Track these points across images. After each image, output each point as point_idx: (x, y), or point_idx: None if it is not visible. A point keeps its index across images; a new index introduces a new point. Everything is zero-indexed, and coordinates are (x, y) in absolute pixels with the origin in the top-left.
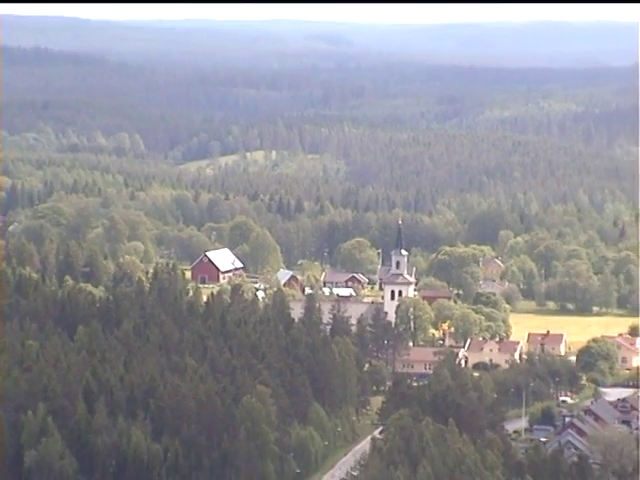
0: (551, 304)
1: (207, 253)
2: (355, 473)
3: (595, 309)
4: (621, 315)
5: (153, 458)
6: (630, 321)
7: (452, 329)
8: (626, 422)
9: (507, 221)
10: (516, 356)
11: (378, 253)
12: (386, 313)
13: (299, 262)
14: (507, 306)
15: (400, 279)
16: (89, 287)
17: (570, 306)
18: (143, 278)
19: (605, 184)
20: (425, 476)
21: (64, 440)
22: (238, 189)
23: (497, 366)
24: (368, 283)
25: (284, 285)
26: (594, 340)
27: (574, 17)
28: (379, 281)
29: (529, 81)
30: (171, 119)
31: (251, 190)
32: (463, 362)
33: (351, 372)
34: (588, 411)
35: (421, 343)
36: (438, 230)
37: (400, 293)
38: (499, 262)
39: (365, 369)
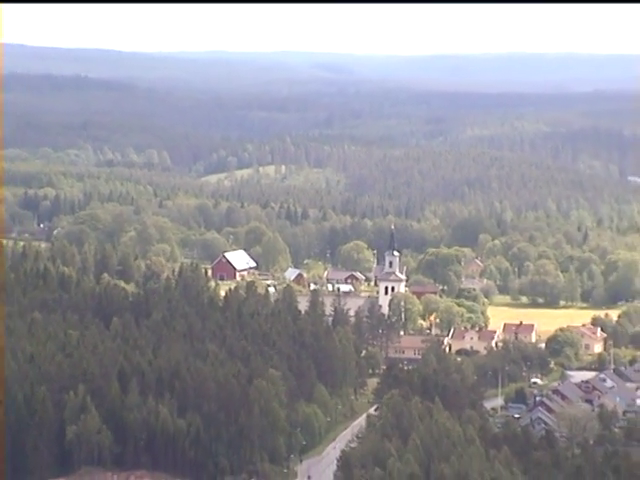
0: (523, 298)
1: (225, 254)
2: (353, 445)
3: (562, 303)
4: (584, 308)
5: (178, 432)
6: (592, 313)
7: (438, 320)
8: (589, 401)
9: (485, 226)
10: (493, 343)
11: (373, 254)
12: (380, 306)
13: (305, 262)
14: (485, 300)
15: (393, 276)
16: (122, 284)
17: (540, 300)
18: (170, 276)
19: (570, 194)
20: (414, 448)
21: (101, 416)
22: (252, 198)
23: (477, 352)
24: (365, 280)
25: (292, 281)
26: (561, 330)
27: (544, 49)
28: (374, 278)
29: (505, 105)
30: (194, 138)
31: (263, 199)
32: (447, 349)
33: (350, 357)
34: (556, 391)
35: (411, 332)
36: (425, 234)
37: (393, 289)
38: (478, 262)
39: (362, 355)
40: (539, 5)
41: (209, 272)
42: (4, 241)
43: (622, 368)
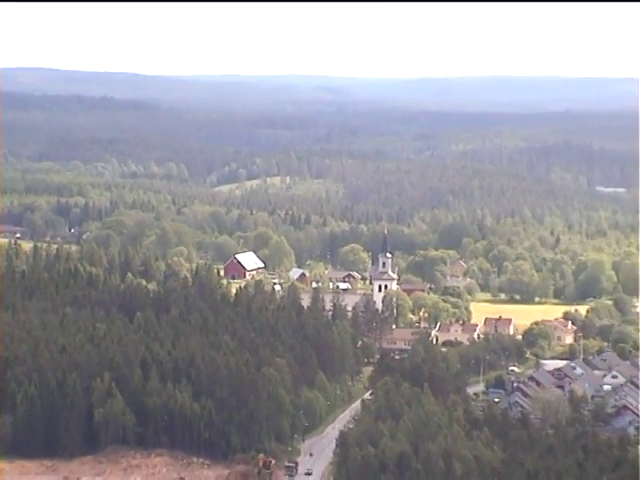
0: (502, 295)
1: (236, 255)
2: (350, 426)
3: (536, 299)
4: (557, 304)
5: (194, 415)
6: (563, 309)
7: (426, 315)
8: (560, 387)
9: (468, 231)
10: (475, 335)
11: (368, 255)
12: (375, 302)
13: (307, 262)
14: (468, 297)
15: (385, 276)
16: (144, 282)
17: (517, 297)
18: (186, 275)
19: (544, 202)
20: (404, 429)
21: (125, 401)
22: (260, 206)
23: (460, 343)
24: (361, 279)
25: (296, 280)
26: (536, 323)
27: (520, 73)
28: (369, 277)
29: (485, 123)
30: (208, 152)
31: (270, 207)
32: (434, 340)
33: (347, 348)
34: (531, 378)
35: (402, 325)
36: (415, 238)
37: (386, 287)
38: (462, 263)
39: (358, 345)
40: (516, 31)
41: (222, 272)
42: (39, 244)
43: (590, 357)
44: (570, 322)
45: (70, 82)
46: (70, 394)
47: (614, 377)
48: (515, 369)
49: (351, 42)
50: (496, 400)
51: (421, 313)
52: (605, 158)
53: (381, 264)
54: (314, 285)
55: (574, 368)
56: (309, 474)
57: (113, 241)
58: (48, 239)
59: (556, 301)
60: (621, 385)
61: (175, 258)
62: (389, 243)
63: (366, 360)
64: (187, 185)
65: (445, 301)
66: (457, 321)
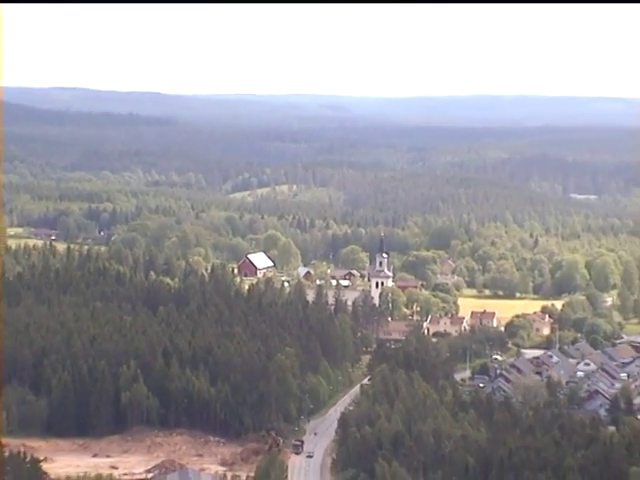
0: (487, 291)
1: (248, 255)
2: (351, 408)
3: (517, 295)
4: (535, 299)
5: (211, 398)
6: (541, 303)
7: (418, 309)
8: (538, 373)
9: (456, 233)
10: (462, 327)
11: (367, 255)
12: (372, 297)
13: (312, 262)
14: (456, 292)
15: (382, 274)
16: (167, 279)
17: (500, 292)
18: (204, 273)
19: (524, 208)
20: (399, 410)
21: (148, 385)
22: (270, 211)
23: (449, 334)
24: (360, 276)
25: (302, 278)
26: (516, 316)
27: (502, 92)
28: (368, 275)
29: (472, 136)
30: (223, 163)
31: (279, 212)
32: (426, 331)
33: (348, 338)
34: (512, 365)
35: (396, 318)
36: (408, 240)
37: (382, 283)
38: (450, 262)
39: (357, 336)
40: (498, 55)
41: (235, 270)
42: (72, 245)
43: (565, 347)
44: (547, 315)
45: (100, 100)
46: (99, 379)
47: (587, 365)
48: (498, 357)
49: (351, 64)
50: (481, 385)
51: (414, 307)
52: (578, 168)
53: (378, 263)
54: (318, 282)
55: (551, 357)
56: (310, 457)
57: (138, 242)
58: (80, 241)
59: (535, 296)
60: (593, 372)
61: (194, 258)
62: (385, 244)
63: (364, 349)
64: (204, 192)
65: (435, 296)
66: (446, 314)
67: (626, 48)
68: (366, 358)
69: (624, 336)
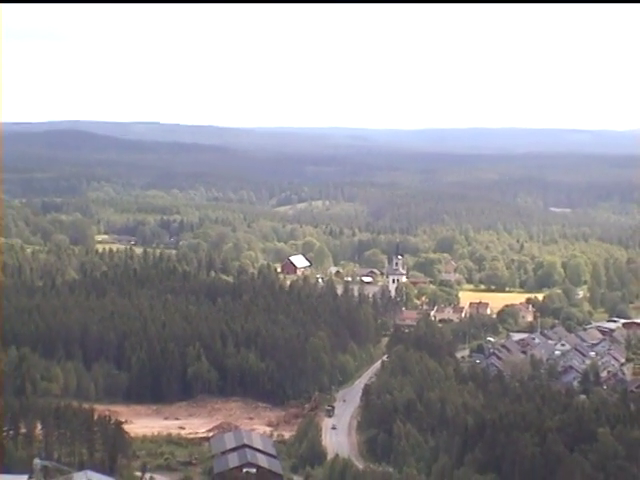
0: (482, 286)
1: (289, 257)
2: (373, 380)
3: (507, 289)
4: (521, 292)
5: (260, 372)
6: (526, 295)
7: (426, 300)
8: (524, 352)
9: (457, 239)
10: (462, 315)
11: (385, 257)
12: (390, 291)
13: (341, 262)
14: (457, 287)
15: (398, 272)
16: (224, 276)
17: (493, 287)
18: (254, 272)
19: (512, 219)
20: (411, 382)
21: (209, 362)
22: (307, 222)
23: (452, 320)
24: (380, 274)
25: (333, 275)
26: (506, 306)
27: (494, 125)
28: (386, 273)
29: (469, 161)
30: (270, 183)
31: (314, 222)
32: (433, 318)
33: (370, 324)
34: (503, 346)
35: (409, 308)
36: (419, 245)
37: (398, 280)
38: (453, 262)
39: (378, 322)
40: (491, 96)
41: (279, 269)
42: (148, 249)
43: (545, 331)
44: (531, 305)
45: (169, 132)
46: (170, 357)
47: (563, 345)
48: (491, 339)
49: (370, 103)
50: (477, 362)
51: (423, 299)
52: (556, 187)
53: (394, 263)
54: (346, 279)
55: (534, 339)
56: (334, 429)
57: (201, 247)
58: (154, 245)
59: (521, 290)
60: (568, 351)
61: (246, 259)
62: (400, 248)
63: (383, 333)
64: (254, 206)
65: (440, 290)
66: (449, 305)
67: (591, 90)
68: (385, 340)
69: (593, 322)
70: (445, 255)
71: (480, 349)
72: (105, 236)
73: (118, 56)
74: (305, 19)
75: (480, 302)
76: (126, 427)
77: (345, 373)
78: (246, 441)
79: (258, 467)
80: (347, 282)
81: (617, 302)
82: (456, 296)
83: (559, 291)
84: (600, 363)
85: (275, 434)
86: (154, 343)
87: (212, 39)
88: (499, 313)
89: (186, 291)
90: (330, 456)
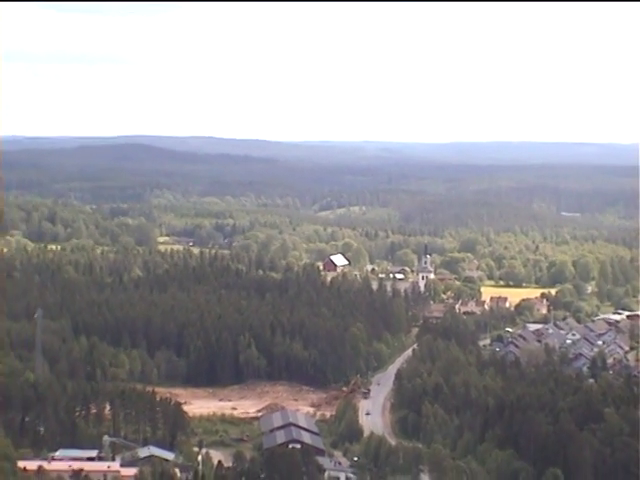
0: (501, 282)
1: (330, 256)
2: (404, 366)
3: (524, 285)
4: (537, 288)
5: (304, 358)
6: (541, 291)
7: (452, 295)
8: (539, 341)
9: (479, 241)
10: (484, 308)
11: (415, 257)
12: (419, 286)
13: (376, 261)
14: (480, 283)
15: (426, 270)
16: (272, 274)
17: (511, 283)
18: (299, 269)
19: (528, 223)
20: (438, 368)
21: (259, 350)
22: (346, 225)
23: (474, 313)
24: (411, 271)
25: (369, 272)
26: (523, 300)
27: (512, 138)
28: (416, 270)
29: (490, 171)
30: (312, 190)
31: (352, 225)
32: (458, 311)
33: (402, 316)
34: (520, 335)
35: (437, 302)
36: (445, 245)
37: (426, 277)
38: (475, 261)
39: (409, 314)
40: (511, 111)
41: (321, 267)
42: (204, 249)
43: (558, 322)
44: (545, 299)
45: (222, 145)
46: (223, 346)
47: (573, 335)
48: (509, 330)
49: (401, 119)
50: (497, 350)
51: (449, 293)
52: (567, 194)
53: (423, 262)
54: (380, 276)
55: (547, 329)
56: (368, 414)
57: (251, 247)
58: (210, 246)
59: (536, 286)
60: (578, 340)
61: (291, 258)
62: (428, 249)
63: (414, 324)
64: (299, 212)
65: (464, 286)
66: (472, 299)
67: (599, 107)
68: (415, 330)
69: (600, 314)
70: (468, 255)
71: (500, 338)
72: (166, 238)
73: (178, 77)
74: (344, 41)
75: (500, 296)
76: (185, 408)
77: (379, 360)
78: (292, 420)
79: (302, 443)
80: (381, 279)
81: (622, 296)
82: (478, 291)
83: (570, 287)
84: (607, 351)
85: (317, 414)
86: (210, 333)
87: (263, 61)
88: (517, 306)
89: (238, 287)
90: (366, 434)
